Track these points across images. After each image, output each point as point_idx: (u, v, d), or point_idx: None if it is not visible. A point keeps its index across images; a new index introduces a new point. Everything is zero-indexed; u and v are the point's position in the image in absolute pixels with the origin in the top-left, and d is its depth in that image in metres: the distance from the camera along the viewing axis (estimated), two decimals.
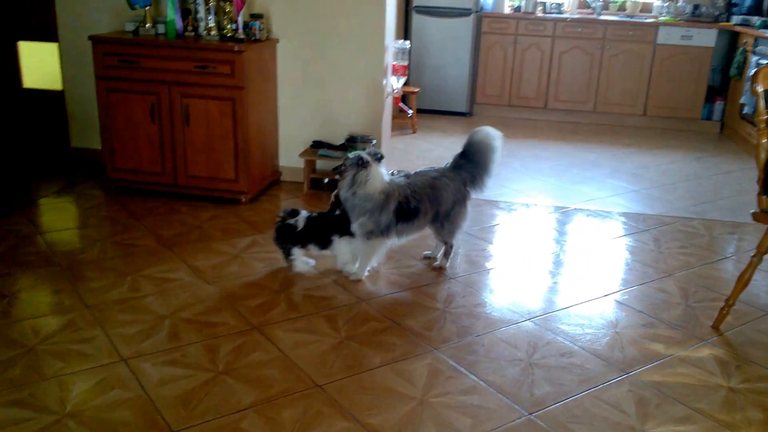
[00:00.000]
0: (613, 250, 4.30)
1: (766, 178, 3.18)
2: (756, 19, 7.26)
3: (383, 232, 3.57)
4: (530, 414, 2.61)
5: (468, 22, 7.65)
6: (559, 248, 4.31)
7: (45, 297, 3.39)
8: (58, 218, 4.49)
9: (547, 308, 3.48)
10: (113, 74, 4.57)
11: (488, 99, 8.05)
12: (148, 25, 4.71)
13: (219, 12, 4.70)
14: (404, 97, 7.34)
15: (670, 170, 6.19)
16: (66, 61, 5.38)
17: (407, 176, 3.69)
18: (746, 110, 6.79)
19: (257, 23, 4.64)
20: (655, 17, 8.02)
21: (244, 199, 4.71)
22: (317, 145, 5.07)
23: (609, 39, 7.69)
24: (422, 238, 4.07)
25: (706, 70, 7.65)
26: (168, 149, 4.65)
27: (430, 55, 7.74)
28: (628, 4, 8.23)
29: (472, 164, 3.75)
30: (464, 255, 4.09)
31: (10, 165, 5.45)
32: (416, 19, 7.71)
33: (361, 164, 3.48)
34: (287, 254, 3.67)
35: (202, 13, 4.66)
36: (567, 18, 7.77)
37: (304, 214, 3.67)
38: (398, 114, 7.05)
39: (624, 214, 4.94)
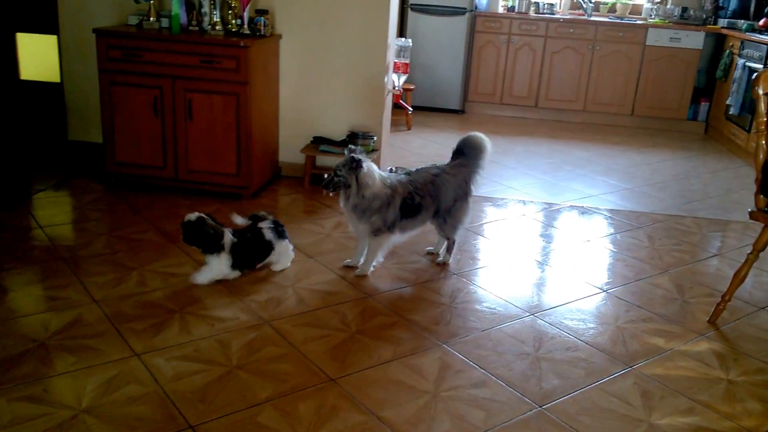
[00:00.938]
0: (609, 247, 4.33)
1: (764, 178, 3.22)
2: (742, 23, 7.35)
3: (389, 227, 3.58)
4: (541, 406, 2.63)
5: (462, 20, 7.67)
6: (556, 244, 4.34)
7: (52, 291, 3.32)
8: (58, 212, 4.43)
9: (550, 303, 3.51)
10: (116, 67, 4.52)
11: (481, 97, 8.07)
12: (152, 19, 4.66)
13: (224, 7, 4.67)
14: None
15: (660, 169, 6.25)
16: (65, 53, 5.32)
17: (408, 173, 3.71)
18: (732, 111, 6.86)
19: (262, 19, 4.62)
20: (645, 19, 8.08)
21: (246, 194, 4.69)
22: (318, 140, 5.05)
23: (600, 40, 7.74)
24: (424, 234, 4.08)
25: (693, 71, 7.73)
26: (170, 143, 4.61)
27: (425, 53, 7.74)
28: (619, 5, 8.29)
29: (469, 161, 3.78)
30: (465, 251, 4.10)
31: (7, 157, 5.38)
32: (411, 17, 7.71)
33: (356, 165, 3.45)
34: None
35: (206, 8, 4.63)
36: (559, 18, 7.80)
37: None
38: (393, 110, 7.04)
39: (618, 212, 4.98)
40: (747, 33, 6.99)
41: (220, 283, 3.48)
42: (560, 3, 8.37)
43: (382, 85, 5.02)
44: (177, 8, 4.55)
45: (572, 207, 5.04)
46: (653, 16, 8.08)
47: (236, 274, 3.53)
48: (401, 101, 7.03)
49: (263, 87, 4.71)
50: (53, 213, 4.38)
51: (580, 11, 8.26)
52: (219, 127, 4.54)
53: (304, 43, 4.97)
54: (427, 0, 7.65)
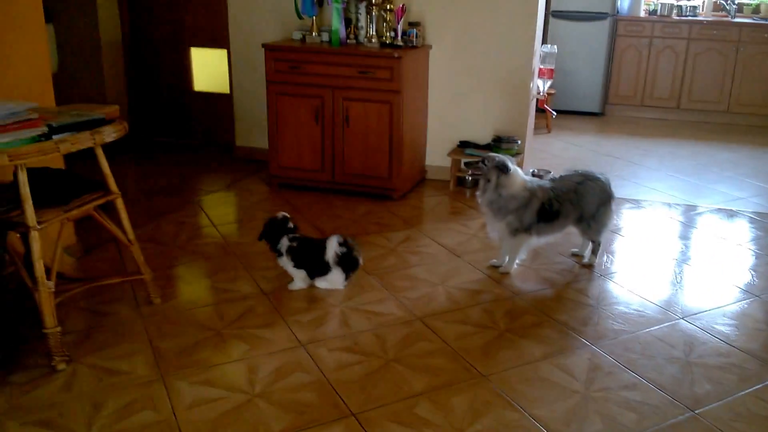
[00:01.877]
0: (757, 251, 4.05)
1: None
2: None
3: (527, 229, 3.55)
4: (693, 411, 2.51)
5: (604, 25, 7.41)
6: (701, 247, 4.10)
7: (225, 284, 3.50)
8: (229, 211, 4.68)
9: (699, 307, 3.33)
10: (282, 79, 4.71)
11: (621, 99, 7.78)
12: (314, 34, 4.83)
13: (379, 21, 4.76)
14: None
15: None
16: (234, 66, 5.60)
17: (552, 180, 3.68)
18: None
19: (414, 30, 4.68)
20: None
21: (395, 196, 4.76)
22: (464, 144, 5.05)
23: (744, 41, 7.27)
24: (568, 235, 3.98)
25: None
26: (328, 148, 4.76)
27: (565, 58, 7.52)
28: (763, 6, 7.72)
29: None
30: (610, 253, 3.96)
31: (182, 162, 5.73)
32: (553, 23, 7.53)
33: (504, 170, 3.47)
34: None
35: (363, 23, 4.74)
36: (702, 21, 7.39)
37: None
38: (535, 114, 6.92)
39: (766, 215, 4.64)
40: None
41: (371, 277, 3.55)
42: (702, 5, 7.90)
43: (527, 90, 4.94)
44: (337, 23, 4.68)
45: (718, 210, 4.75)
46: None
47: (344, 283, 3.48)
48: (545, 106, 6.89)
49: (414, 95, 4.76)
50: (225, 212, 4.63)
51: (723, 13, 7.78)
52: (373, 134, 4.63)
53: (452, 52, 4.97)
54: (570, 6, 7.44)
